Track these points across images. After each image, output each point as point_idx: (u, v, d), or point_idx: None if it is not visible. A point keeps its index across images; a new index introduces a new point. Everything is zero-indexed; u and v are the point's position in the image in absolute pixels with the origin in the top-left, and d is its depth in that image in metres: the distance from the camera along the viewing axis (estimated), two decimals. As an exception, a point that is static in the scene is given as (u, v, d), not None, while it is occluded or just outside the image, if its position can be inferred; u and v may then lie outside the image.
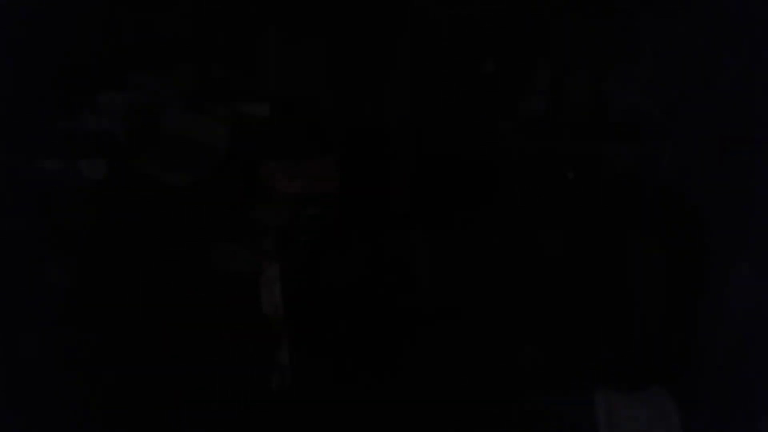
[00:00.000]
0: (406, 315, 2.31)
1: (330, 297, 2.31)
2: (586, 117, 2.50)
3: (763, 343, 2.10)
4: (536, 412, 2.05)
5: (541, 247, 2.37)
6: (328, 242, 2.34)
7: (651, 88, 2.45)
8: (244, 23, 2.52)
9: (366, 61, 2.49)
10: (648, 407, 1.97)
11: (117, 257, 2.29)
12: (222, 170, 2.37)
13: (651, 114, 2.45)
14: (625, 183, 2.45)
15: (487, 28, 2.45)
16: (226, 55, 2.54)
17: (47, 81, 2.42)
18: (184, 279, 2.31)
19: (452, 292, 2.33)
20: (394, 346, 2.29)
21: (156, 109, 2.43)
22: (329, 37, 2.50)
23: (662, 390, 2.01)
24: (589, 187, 2.45)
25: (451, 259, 2.38)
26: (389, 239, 2.37)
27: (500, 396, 2.10)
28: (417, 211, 2.42)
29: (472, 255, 2.37)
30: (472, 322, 2.25)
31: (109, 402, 2.21)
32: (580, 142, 2.49)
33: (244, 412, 2.24)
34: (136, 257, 2.30)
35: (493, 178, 2.45)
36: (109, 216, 2.30)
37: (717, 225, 2.30)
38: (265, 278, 2.34)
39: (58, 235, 2.32)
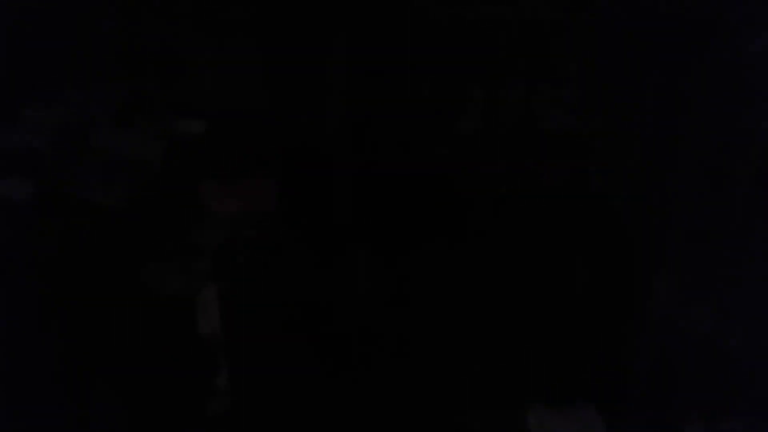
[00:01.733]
0: (348, 334, 2.31)
1: (270, 318, 2.29)
2: (518, 136, 2.57)
3: (682, 357, 2.22)
4: (470, 429, 2.09)
5: (474, 263, 2.42)
6: (268, 262, 2.32)
7: (578, 108, 2.54)
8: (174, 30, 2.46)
9: (301, 71, 2.47)
10: (576, 423, 2.04)
11: (46, 279, 2.19)
12: (156, 189, 2.31)
13: (579, 133, 2.54)
14: (555, 200, 2.52)
15: (424, 51, 2.48)
16: (157, 67, 2.48)
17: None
18: (116, 301, 2.24)
19: (393, 310, 2.35)
20: (336, 367, 2.28)
21: (85, 126, 2.35)
22: (261, 44, 2.46)
23: (590, 406, 2.09)
24: (521, 205, 2.52)
25: (391, 277, 2.39)
26: (330, 258, 2.37)
27: (438, 413, 2.12)
28: (358, 229, 2.42)
29: (412, 272, 2.39)
30: (411, 341, 2.27)
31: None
32: (513, 160, 2.55)
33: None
34: (65, 280, 2.21)
35: (431, 196, 2.49)
36: (37, 237, 2.21)
37: (640, 240, 2.42)
38: (202, 299, 2.30)
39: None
